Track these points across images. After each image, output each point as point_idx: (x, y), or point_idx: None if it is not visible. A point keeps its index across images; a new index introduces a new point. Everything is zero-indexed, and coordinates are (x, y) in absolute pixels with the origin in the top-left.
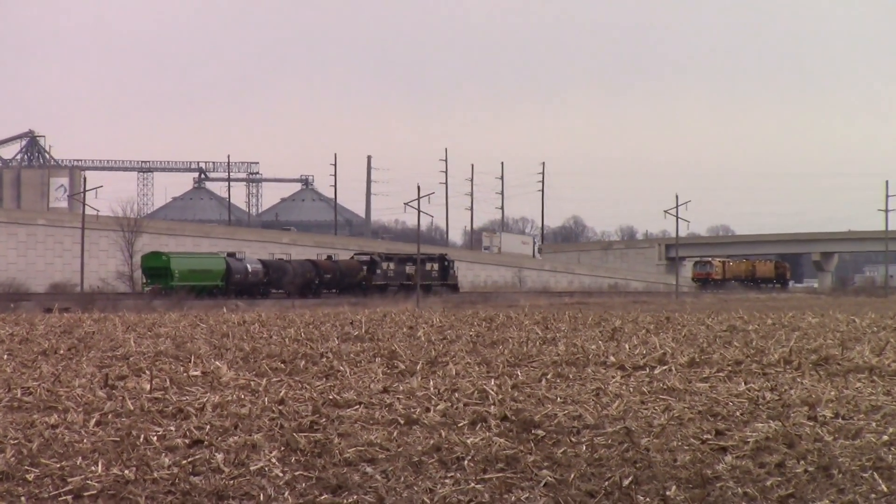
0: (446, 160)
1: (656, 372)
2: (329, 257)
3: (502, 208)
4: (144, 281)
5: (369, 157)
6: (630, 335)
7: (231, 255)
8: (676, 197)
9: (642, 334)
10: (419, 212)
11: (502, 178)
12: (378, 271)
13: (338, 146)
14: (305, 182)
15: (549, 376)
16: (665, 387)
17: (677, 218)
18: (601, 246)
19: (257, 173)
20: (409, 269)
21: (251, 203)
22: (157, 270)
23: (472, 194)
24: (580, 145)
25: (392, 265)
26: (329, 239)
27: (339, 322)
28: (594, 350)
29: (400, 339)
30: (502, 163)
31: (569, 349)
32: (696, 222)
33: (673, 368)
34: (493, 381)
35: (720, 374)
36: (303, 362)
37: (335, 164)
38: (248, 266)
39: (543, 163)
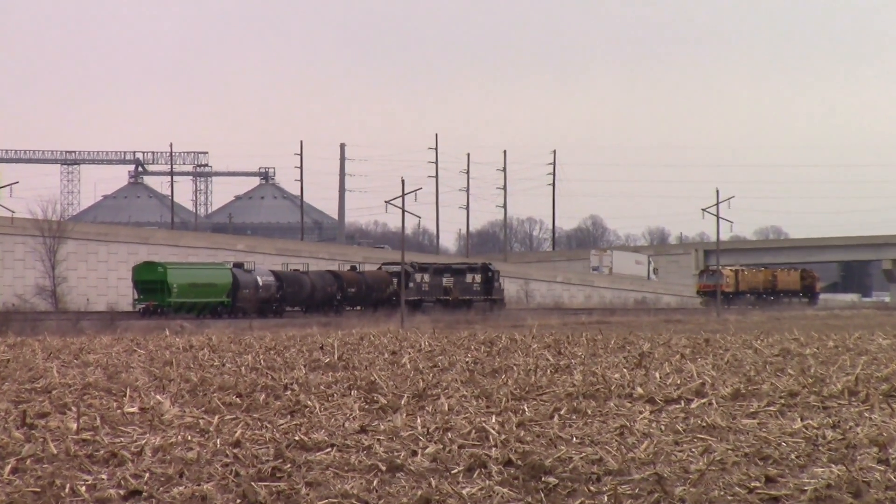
0: (436, 149)
1: (693, 406)
2: (353, 268)
3: (504, 206)
4: (136, 297)
5: (343, 146)
6: (661, 361)
7: (238, 265)
8: (717, 192)
9: (676, 360)
10: (404, 212)
11: (504, 169)
12: (411, 284)
13: (305, 133)
14: (265, 176)
15: (562, 412)
16: (704, 424)
17: (718, 218)
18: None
19: (206, 165)
20: (448, 281)
21: (199, 202)
22: (151, 285)
23: (468, 190)
24: (600, 131)
25: (427, 277)
26: (294, 245)
27: (306, 346)
28: (617, 380)
29: (380, 366)
30: (505, 152)
31: (586, 379)
32: (741, 223)
33: (713, 401)
34: (493, 417)
35: (771, 408)
36: (263, 396)
37: (301, 154)
38: (259, 279)
39: (555, 151)
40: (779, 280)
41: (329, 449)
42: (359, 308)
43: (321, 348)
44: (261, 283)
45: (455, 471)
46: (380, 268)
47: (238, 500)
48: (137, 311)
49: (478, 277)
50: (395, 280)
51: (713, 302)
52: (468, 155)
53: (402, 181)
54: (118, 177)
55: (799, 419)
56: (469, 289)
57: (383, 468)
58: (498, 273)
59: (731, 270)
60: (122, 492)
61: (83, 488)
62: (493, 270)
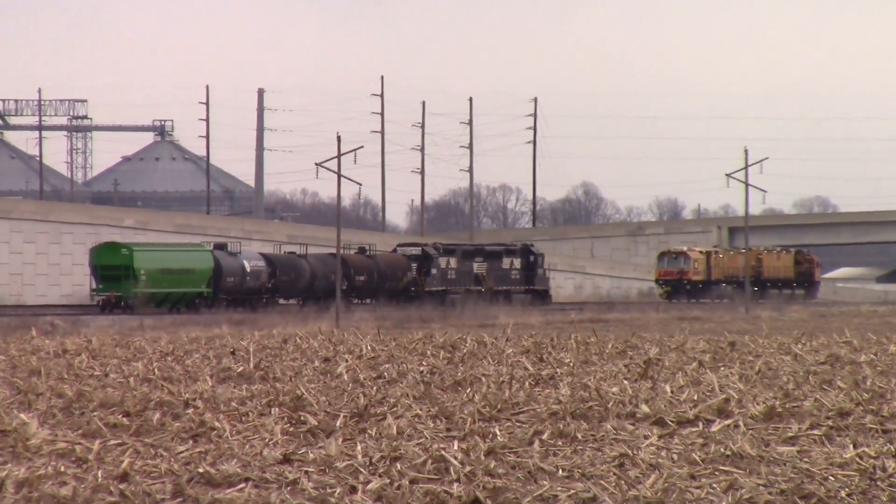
0: (382, 95)
1: (714, 429)
2: (363, 250)
3: (471, 171)
4: (94, 287)
5: (261, 93)
6: (673, 371)
7: (220, 247)
8: (745, 153)
9: (692, 369)
10: (340, 177)
11: (471, 123)
12: (433, 271)
13: (211, 76)
14: (161, 131)
15: (544, 436)
16: (728, 452)
17: (747, 186)
18: (627, 229)
19: (85, 118)
20: (480, 267)
21: (76, 164)
22: (113, 271)
23: (422, 149)
24: (593, 74)
25: (453, 262)
26: (199, 220)
27: (213, 351)
28: (616, 395)
29: (309, 377)
30: (471, 100)
31: (576, 393)
32: (776, 193)
33: (741, 423)
34: (455, 443)
35: (815, 431)
36: (157, 415)
37: (206, 103)
38: (247, 264)
39: (535, 100)
40: (765, 266)
41: (243, 484)
42: (368, 301)
43: (232, 354)
44: (248, 270)
45: None
46: (395, 250)
47: None
48: (96, 304)
49: (517, 262)
50: (413, 266)
51: (677, 294)
52: (423, 104)
53: (338, 138)
54: None
55: (851, 446)
56: (506, 277)
57: None
58: (542, 257)
59: (700, 252)
60: None
61: None
62: (535, 254)
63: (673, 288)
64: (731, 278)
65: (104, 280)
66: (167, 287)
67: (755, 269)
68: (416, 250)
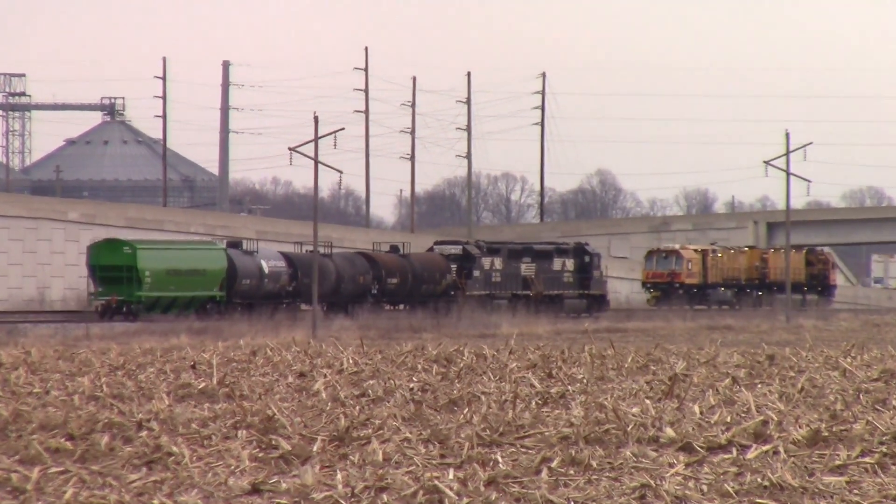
0: (366, 70)
1: (750, 456)
2: (395, 248)
3: (469, 157)
4: (93, 291)
5: (226, 66)
6: (702, 389)
7: (234, 245)
8: (787, 137)
9: (724, 387)
10: (317, 164)
11: (469, 102)
12: (475, 272)
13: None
14: (111, 111)
15: (553, 464)
16: (767, 483)
17: (789, 175)
18: (650, 225)
19: (23, 94)
20: (528, 269)
21: (13, 148)
22: (114, 272)
23: (413, 132)
24: (610, 47)
25: (498, 262)
26: (154, 213)
27: (170, 364)
28: (637, 416)
29: (282, 395)
30: (469, 75)
31: (590, 414)
32: (822, 183)
33: (781, 449)
34: (451, 471)
35: (866, 459)
36: (106, 438)
37: (164, 78)
38: (264, 264)
39: (544, 75)
40: (771, 266)
41: None
42: (402, 306)
43: (193, 367)
44: (267, 271)
45: None
46: (431, 248)
47: None
48: (95, 311)
49: (570, 263)
50: (453, 267)
51: (667, 300)
52: (413, 79)
53: (316, 119)
54: None
55: None
56: (558, 280)
57: None
58: (598, 257)
59: (696, 251)
60: None
61: None
62: (591, 253)
63: (663, 293)
64: (732, 281)
65: (104, 282)
66: (175, 290)
67: (759, 270)
68: (456, 249)
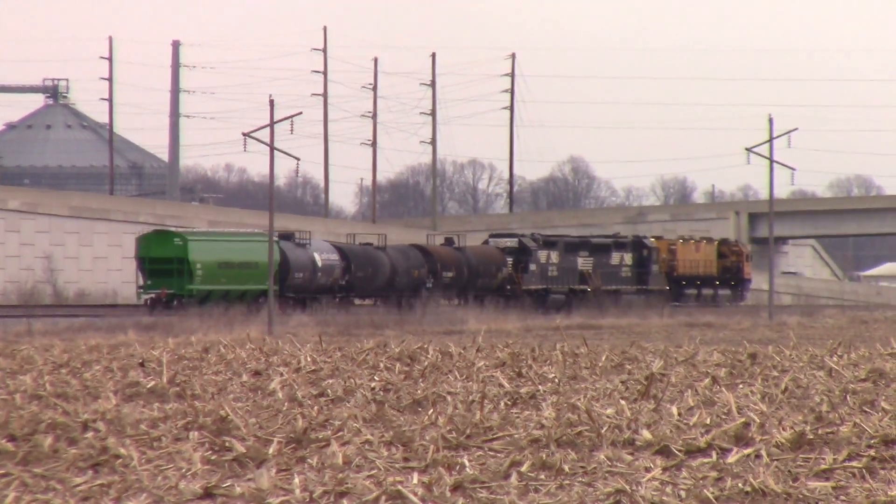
0: (325, 50)
1: (731, 459)
2: (450, 241)
3: (434, 143)
4: (142, 284)
5: (176, 45)
6: (681, 389)
7: (286, 237)
8: (770, 122)
9: (704, 387)
10: (273, 150)
11: (433, 84)
12: (532, 266)
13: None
14: (53, 93)
15: (523, 468)
16: (749, 488)
17: (772, 163)
18: (625, 216)
19: None
20: (585, 262)
21: None
22: (164, 264)
23: (374, 116)
24: (584, 26)
25: (554, 256)
26: (100, 202)
27: (117, 362)
28: (611, 417)
29: (236, 394)
30: (433, 56)
31: (562, 416)
32: (808, 171)
33: (763, 453)
34: (415, 475)
35: (854, 463)
36: (49, 439)
37: (111, 59)
38: (317, 257)
39: (513, 56)
40: (679, 259)
41: None
42: (457, 302)
43: (141, 365)
44: (320, 263)
45: None
46: (486, 242)
47: None
48: (144, 303)
49: (627, 257)
50: (509, 260)
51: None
52: (375, 60)
53: (271, 102)
54: None
55: None
56: (616, 274)
57: None
58: (656, 251)
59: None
60: None
61: None
62: (650, 248)
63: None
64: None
65: (153, 275)
66: (226, 283)
67: (667, 263)
68: (511, 242)
